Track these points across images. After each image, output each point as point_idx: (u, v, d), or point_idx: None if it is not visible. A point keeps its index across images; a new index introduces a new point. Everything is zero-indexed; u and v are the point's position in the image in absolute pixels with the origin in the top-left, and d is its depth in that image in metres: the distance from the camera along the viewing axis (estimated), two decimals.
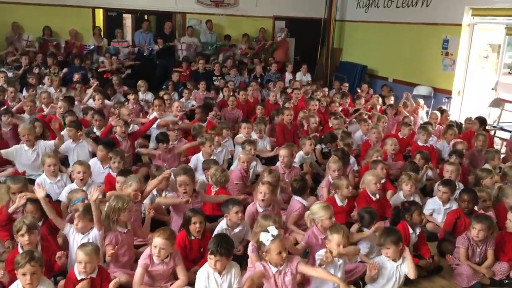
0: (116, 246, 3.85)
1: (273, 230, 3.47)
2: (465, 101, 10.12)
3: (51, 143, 6.06)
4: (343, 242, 3.64)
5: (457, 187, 5.38)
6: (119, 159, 5.44)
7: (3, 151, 5.91)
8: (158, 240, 3.60)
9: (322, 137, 7.10)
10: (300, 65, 12.36)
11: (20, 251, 3.51)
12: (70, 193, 4.45)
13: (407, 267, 3.75)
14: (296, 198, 4.86)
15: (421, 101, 9.31)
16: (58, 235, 4.21)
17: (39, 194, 3.89)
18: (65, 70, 10.26)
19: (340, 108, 8.92)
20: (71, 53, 11.24)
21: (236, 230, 4.29)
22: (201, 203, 4.77)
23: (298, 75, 11.96)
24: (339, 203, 4.95)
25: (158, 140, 6.26)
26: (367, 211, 4.40)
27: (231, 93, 9.21)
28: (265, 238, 3.45)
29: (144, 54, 11.80)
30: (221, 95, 9.66)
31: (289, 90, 10.18)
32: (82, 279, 3.39)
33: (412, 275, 3.73)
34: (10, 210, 4.15)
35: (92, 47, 11.49)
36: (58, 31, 11.56)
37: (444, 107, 9.34)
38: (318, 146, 6.77)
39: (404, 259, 3.78)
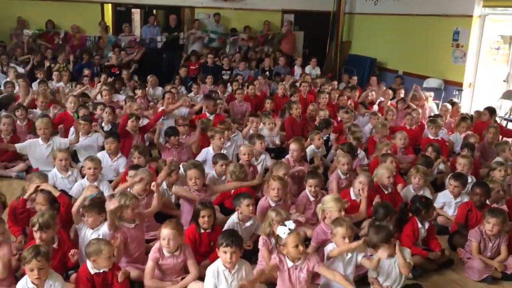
0: (121, 242, 3.83)
1: (290, 224, 3.47)
2: (476, 93, 10.04)
3: (66, 140, 6.12)
4: (347, 234, 3.61)
5: (470, 181, 5.34)
6: (138, 154, 5.45)
7: (18, 145, 5.95)
8: (165, 231, 3.61)
9: (317, 124, 7.10)
10: (309, 58, 12.30)
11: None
12: (84, 190, 4.47)
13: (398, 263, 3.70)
14: (307, 192, 4.84)
15: (428, 93, 9.22)
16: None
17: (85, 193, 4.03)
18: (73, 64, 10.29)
19: (349, 101, 8.88)
20: (75, 46, 11.18)
21: (247, 224, 4.30)
22: (211, 196, 4.78)
23: (307, 69, 11.90)
24: (353, 197, 4.90)
25: (167, 134, 6.28)
26: (382, 205, 4.38)
27: (240, 87, 9.20)
28: (282, 231, 3.44)
29: (148, 44, 11.68)
30: (229, 89, 9.66)
31: (298, 84, 10.15)
32: (95, 273, 3.42)
33: (404, 271, 3.68)
34: (26, 196, 4.20)
35: (92, 38, 11.43)
36: (62, 26, 11.48)
37: (455, 100, 9.26)
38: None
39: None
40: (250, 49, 12.46)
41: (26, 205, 4.23)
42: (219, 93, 9.06)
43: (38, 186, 4.16)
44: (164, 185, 4.96)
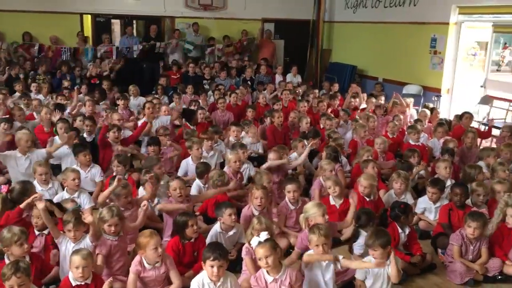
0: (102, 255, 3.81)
1: (263, 236, 3.45)
2: (454, 99, 10.20)
3: (43, 151, 6.02)
4: (320, 242, 3.59)
5: (448, 184, 5.41)
6: (117, 163, 5.41)
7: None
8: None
9: (306, 132, 7.15)
10: (290, 66, 12.39)
11: (7, 261, 3.46)
12: (61, 203, 4.43)
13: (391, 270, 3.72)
14: (286, 200, 4.87)
15: (409, 100, 9.35)
16: None
17: (39, 205, 3.87)
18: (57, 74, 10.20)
19: (330, 110, 8.96)
20: (46, 56, 11.09)
21: (231, 233, 4.30)
22: (192, 206, 4.77)
23: (289, 77, 11.98)
24: (332, 202, 4.97)
25: (149, 144, 6.25)
26: (364, 211, 4.42)
27: (221, 96, 9.21)
28: (255, 242, 3.45)
29: (126, 55, 11.60)
30: (212, 99, 9.66)
31: (278, 92, 10.19)
32: (77, 285, 3.37)
33: (394, 279, 3.70)
34: (22, 205, 4.15)
35: (67, 49, 11.34)
36: (39, 38, 11.41)
37: (433, 105, 9.40)
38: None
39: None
40: (229, 57, 12.49)
41: (22, 214, 4.16)
42: (201, 102, 9.05)
43: (35, 197, 4.03)
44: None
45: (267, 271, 3.45)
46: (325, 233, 3.65)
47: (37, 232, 4.14)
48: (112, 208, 3.97)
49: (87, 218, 3.72)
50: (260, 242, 3.41)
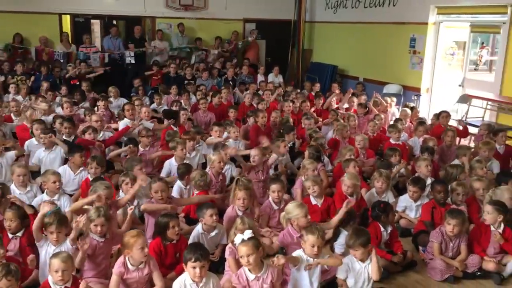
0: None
1: (246, 234, 3.46)
2: (434, 98, 10.34)
3: (12, 153, 5.92)
4: (317, 243, 3.61)
5: (429, 182, 5.47)
6: (95, 165, 5.36)
7: None
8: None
9: (281, 131, 7.18)
10: (272, 66, 12.40)
11: None
12: (41, 205, 4.36)
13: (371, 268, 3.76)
14: (270, 200, 4.88)
15: (389, 99, 9.44)
16: None
17: (43, 209, 3.87)
18: (32, 78, 10.05)
19: (313, 109, 9.00)
20: (41, 60, 11.01)
21: (212, 234, 4.29)
22: (176, 208, 4.74)
23: (270, 77, 12.00)
24: (313, 202, 5.00)
25: (126, 144, 6.22)
26: (346, 211, 4.43)
27: (203, 97, 9.18)
28: (238, 240, 3.46)
29: (118, 61, 11.63)
30: (193, 99, 9.62)
31: (260, 92, 10.20)
32: None
33: (375, 276, 3.73)
34: None
35: (61, 53, 11.28)
36: (27, 38, 11.34)
37: (413, 104, 9.51)
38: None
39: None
40: (216, 61, 12.45)
41: None
42: (183, 103, 9.01)
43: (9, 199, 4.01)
44: None
45: (249, 269, 3.45)
46: (323, 235, 3.69)
47: (10, 236, 4.06)
48: (100, 208, 3.93)
49: (84, 246, 3.68)
50: (243, 240, 3.42)
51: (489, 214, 4.41)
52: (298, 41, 13.50)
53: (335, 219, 4.45)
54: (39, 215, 3.94)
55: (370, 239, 3.81)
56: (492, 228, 4.42)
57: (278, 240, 4.12)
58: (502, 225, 4.40)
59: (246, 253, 3.38)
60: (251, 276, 3.45)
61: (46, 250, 3.82)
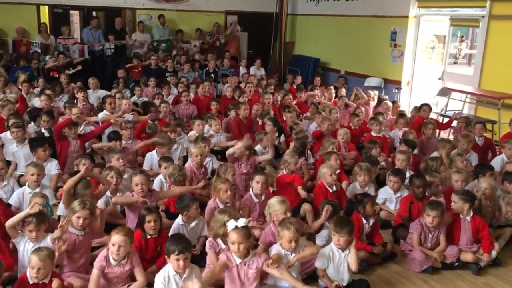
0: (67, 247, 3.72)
1: (240, 222, 3.48)
2: (414, 91, 10.45)
3: None
4: (294, 238, 3.63)
5: (408, 175, 5.53)
6: (84, 162, 5.19)
7: None
8: (116, 238, 3.51)
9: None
10: (254, 59, 12.36)
11: None
12: (31, 197, 4.27)
13: (350, 259, 3.81)
14: (250, 192, 4.88)
15: (372, 92, 9.50)
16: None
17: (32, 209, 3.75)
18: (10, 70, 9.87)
19: (295, 102, 9.00)
20: (18, 52, 10.77)
21: (192, 224, 4.30)
22: (156, 201, 4.71)
23: (252, 69, 11.96)
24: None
25: (110, 139, 6.12)
26: (329, 203, 4.48)
27: (185, 89, 9.11)
28: (231, 226, 3.47)
29: (96, 53, 11.46)
30: (175, 91, 9.54)
31: (242, 85, 10.16)
32: (34, 284, 3.28)
33: (354, 267, 3.80)
34: None
35: (38, 43, 11.05)
36: (3, 29, 11.09)
37: (385, 97, 9.61)
38: None
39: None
40: (197, 53, 12.35)
41: None
42: (164, 95, 8.93)
43: None
44: (108, 192, 4.83)
45: (237, 255, 3.49)
46: (297, 228, 3.70)
47: None
48: (86, 201, 3.88)
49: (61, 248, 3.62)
50: (236, 227, 3.44)
51: (455, 204, 4.51)
52: (280, 34, 13.46)
53: (316, 224, 4.50)
54: (28, 207, 3.81)
55: (354, 229, 3.86)
56: (461, 216, 4.51)
57: (260, 242, 4.12)
58: (471, 212, 4.50)
59: (237, 240, 3.42)
60: (238, 260, 3.50)
61: (24, 246, 3.76)
